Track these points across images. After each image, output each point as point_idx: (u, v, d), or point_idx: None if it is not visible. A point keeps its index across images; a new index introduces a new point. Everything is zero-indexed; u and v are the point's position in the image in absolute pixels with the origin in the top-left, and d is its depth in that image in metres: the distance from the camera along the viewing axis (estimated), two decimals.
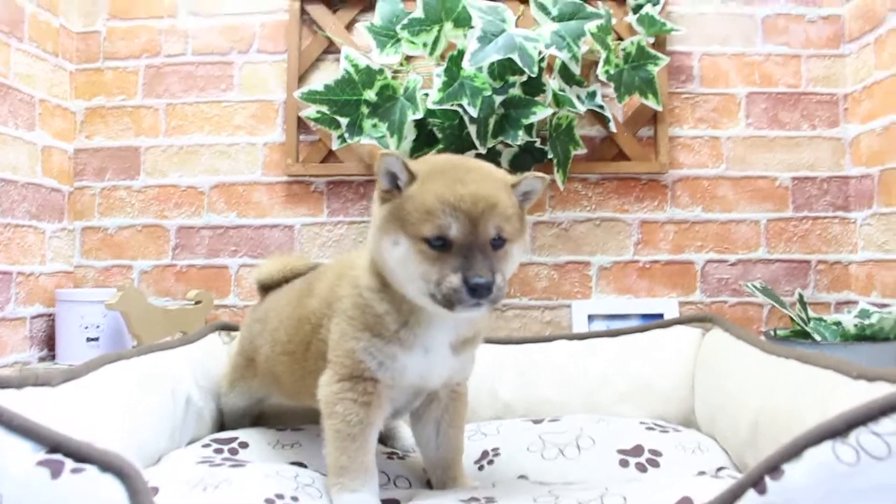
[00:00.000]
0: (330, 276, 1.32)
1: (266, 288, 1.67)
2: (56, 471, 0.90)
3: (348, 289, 1.23)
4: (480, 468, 1.45)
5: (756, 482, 0.81)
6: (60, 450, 0.93)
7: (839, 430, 0.79)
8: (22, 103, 2.25)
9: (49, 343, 2.33)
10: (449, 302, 1.04)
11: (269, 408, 1.73)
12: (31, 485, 0.89)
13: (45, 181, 2.37)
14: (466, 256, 1.04)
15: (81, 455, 0.92)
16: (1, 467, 0.90)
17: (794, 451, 0.81)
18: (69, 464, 0.91)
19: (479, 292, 1.02)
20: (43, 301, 2.32)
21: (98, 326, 2.23)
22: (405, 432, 1.61)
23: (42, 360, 2.30)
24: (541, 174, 1.14)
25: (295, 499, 1.12)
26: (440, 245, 1.05)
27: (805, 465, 0.79)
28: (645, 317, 2.32)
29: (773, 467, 0.81)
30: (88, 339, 2.21)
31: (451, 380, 1.26)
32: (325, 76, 2.35)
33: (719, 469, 1.36)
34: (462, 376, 1.30)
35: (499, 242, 1.08)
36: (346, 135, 2.21)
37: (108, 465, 0.92)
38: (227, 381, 1.68)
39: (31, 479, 0.89)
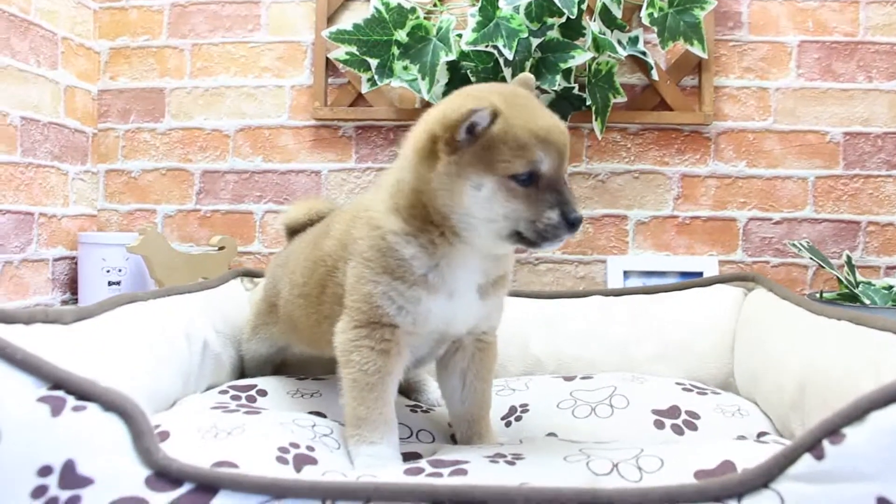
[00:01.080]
0: (345, 218, 1.27)
1: (293, 232, 1.64)
2: (57, 408, 0.86)
3: (364, 230, 1.17)
4: (508, 424, 1.40)
5: (812, 446, 0.75)
6: (63, 386, 0.89)
7: None
8: (44, 40, 2.19)
9: (72, 286, 2.30)
10: (541, 237, 1.03)
11: (291, 357, 1.69)
12: (31, 421, 0.85)
13: (69, 122, 2.32)
14: (559, 191, 1.03)
15: (84, 392, 0.88)
16: (1, 402, 0.86)
17: (857, 413, 0.75)
18: (71, 401, 0.88)
19: (576, 226, 1.02)
20: (65, 244, 2.29)
21: (120, 270, 2.20)
22: (431, 385, 1.57)
23: (64, 303, 2.28)
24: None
25: (311, 448, 1.07)
26: (527, 181, 1.03)
27: (868, 429, 0.74)
28: (683, 275, 2.24)
29: (833, 430, 0.75)
30: (110, 283, 2.18)
31: (477, 327, 1.22)
32: (354, 16, 2.25)
33: (760, 434, 1.31)
34: (488, 324, 1.24)
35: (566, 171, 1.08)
36: (376, 77, 2.13)
37: (111, 404, 0.88)
38: (249, 326, 1.65)
39: (31, 416, 0.85)
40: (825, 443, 0.74)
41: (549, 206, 1.02)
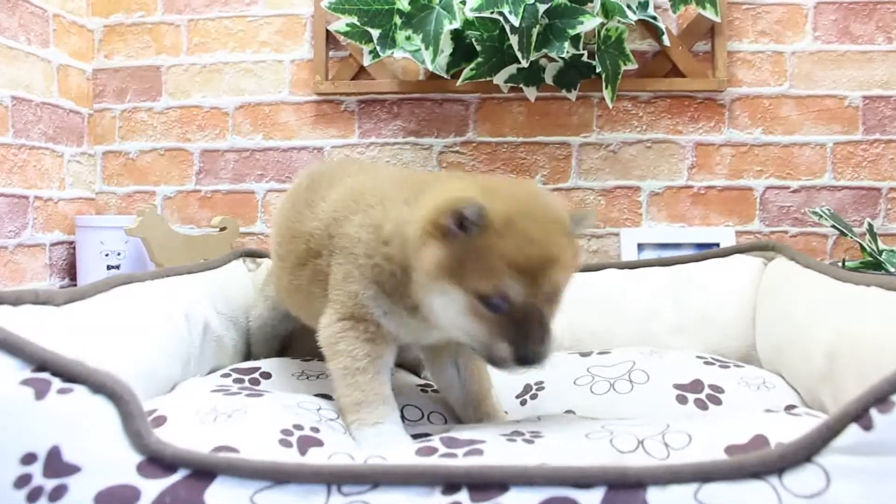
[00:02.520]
0: (337, 201, 1.18)
1: None
2: (41, 391, 0.81)
3: (363, 232, 1.09)
4: (523, 403, 1.35)
5: (859, 415, 0.69)
6: (48, 368, 0.84)
7: None
8: (34, 17, 2.13)
9: (70, 271, 2.25)
10: (493, 362, 0.97)
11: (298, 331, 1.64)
12: (13, 406, 0.79)
13: (63, 102, 2.26)
14: (521, 323, 0.94)
15: (70, 374, 0.83)
16: None
17: None
18: (56, 383, 0.82)
19: (528, 364, 0.94)
20: (63, 228, 2.23)
21: (119, 254, 2.14)
22: None
23: (63, 288, 2.23)
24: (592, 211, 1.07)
25: (315, 430, 1.02)
26: (496, 306, 0.94)
27: None
28: (699, 246, 2.18)
29: (881, 398, 0.69)
30: (109, 268, 2.13)
31: None
32: None
33: (788, 407, 1.25)
34: None
35: (556, 295, 0.99)
36: (378, 48, 2.06)
37: (100, 385, 0.82)
38: (257, 290, 1.64)
39: (13, 400, 0.80)
40: (873, 411, 0.68)
41: (503, 338, 0.94)
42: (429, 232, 0.96)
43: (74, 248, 2.22)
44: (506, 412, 1.27)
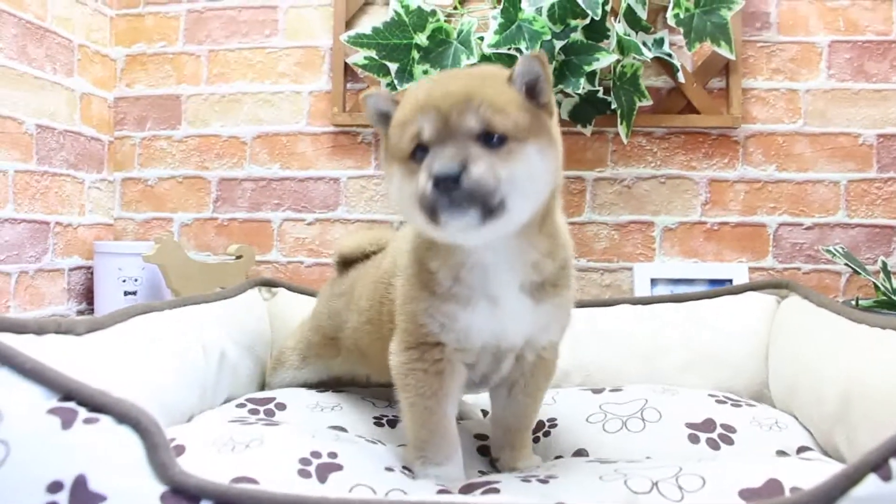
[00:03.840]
0: (400, 234, 1.25)
1: (345, 264, 1.57)
2: (67, 420, 0.82)
3: (409, 244, 1.12)
4: (536, 440, 1.35)
5: (878, 465, 0.69)
6: (74, 398, 0.85)
7: None
8: (60, 47, 2.17)
9: (87, 296, 2.27)
10: (433, 214, 0.91)
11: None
12: (40, 434, 0.81)
13: (85, 129, 2.30)
14: (433, 152, 0.93)
15: (96, 404, 0.84)
16: (9, 414, 0.82)
17: None
18: (82, 413, 0.84)
19: (443, 185, 0.88)
20: (81, 253, 2.26)
21: (136, 280, 2.16)
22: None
23: (80, 313, 2.25)
24: (536, 52, 0.99)
25: (333, 455, 1.02)
26: (421, 157, 0.93)
27: None
28: (712, 282, 2.18)
29: None
30: (126, 293, 2.15)
31: (535, 338, 1.10)
32: (373, 20, 2.22)
33: (801, 449, 1.25)
34: (548, 336, 1.12)
35: (493, 139, 0.93)
36: (396, 82, 2.09)
37: (125, 415, 0.83)
38: (297, 355, 1.59)
39: (40, 429, 0.81)
40: (892, 462, 0.68)
41: (424, 173, 0.92)
42: (384, 150, 1.03)
43: (92, 273, 2.24)
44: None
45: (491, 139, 0.93)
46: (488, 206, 0.90)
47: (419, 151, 0.94)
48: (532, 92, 0.99)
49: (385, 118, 1.01)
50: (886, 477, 0.68)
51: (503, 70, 1.02)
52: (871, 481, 0.68)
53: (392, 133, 0.99)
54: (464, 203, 0.89)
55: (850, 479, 0.69)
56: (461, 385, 1.11)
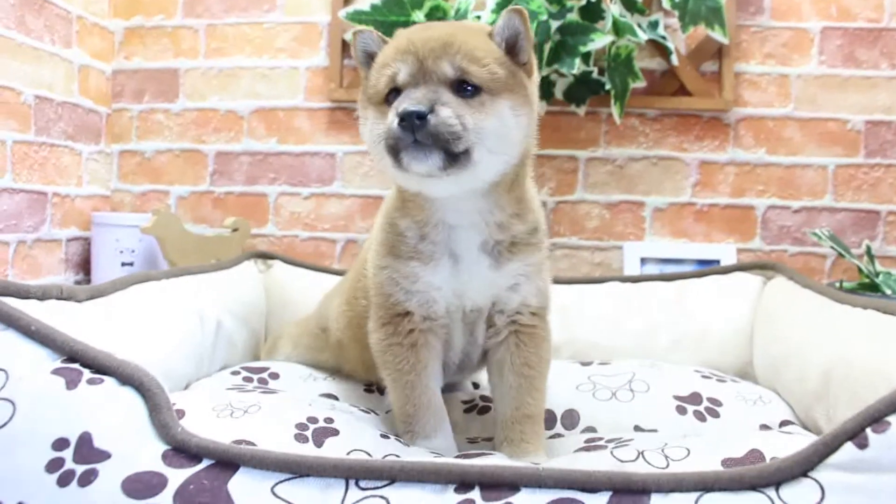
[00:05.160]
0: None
1: None
2: (72, 381, 0.85)
3: (381, 213, 1.17)
4: None
5: (855, 434, 0.72)
6: (78, 359, 0.88)
7: None
8: (58, 18, 2.17)
9: (85, 267, 2.29)
10: (395, 151, 0.94)
11: None
12: (45, 394, 0.84)
13: (83, 101, 2.30)
14: (404, 94, 0.96)
15: (100, 365, 0.87)
16: (15, 375, 0.85)
17: None
18: (86, 374, 0.87)
19: (408, 122, 0.91)
20: (79, 224, 2.27)
21: (133, 251, 2.18)
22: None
23: (77, 283, 2.27)
24: (515, 6, 1.00)
25: (330, 420, 1.06)
26: (394, 99, 0.96)
27: None
28: (700, 262, 2.21)
29: (877, 418, 0.72)
30: (123, 264, 2.17)
31: (502, 300, 1.10)
32: None
33: (783, 423, 1.29)
34: (519, 298, 1.11)
35: (467, 89, 0.96)
36: None
37: (128, 377, 0.86)
38: (289, 344, 1.60)
39: (46, 389, 0.84)
40: (869, 431, 0.71)
41: (393, 111, 0.94)
42: (362, 92, 1.05)
43: (90, 244, 2.26)
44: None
45: (465, 88, 0.95)
46: (452, 152, 0.92)
47: (393, 94, 0.97)
48: (513, 49, 1.01)
49: (370, 59, 1.03)
50: (862, 445, 0.71)
51: (486, 25, 1.05)
52: (848, 449, 0.71)
53: (371, 75, 1.01)
54: (427, 144, 0.92)
55: (828, 447, 0.72)
56: (437, 358, 1.13)
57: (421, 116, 0.90)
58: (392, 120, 0.93)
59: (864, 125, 2.27)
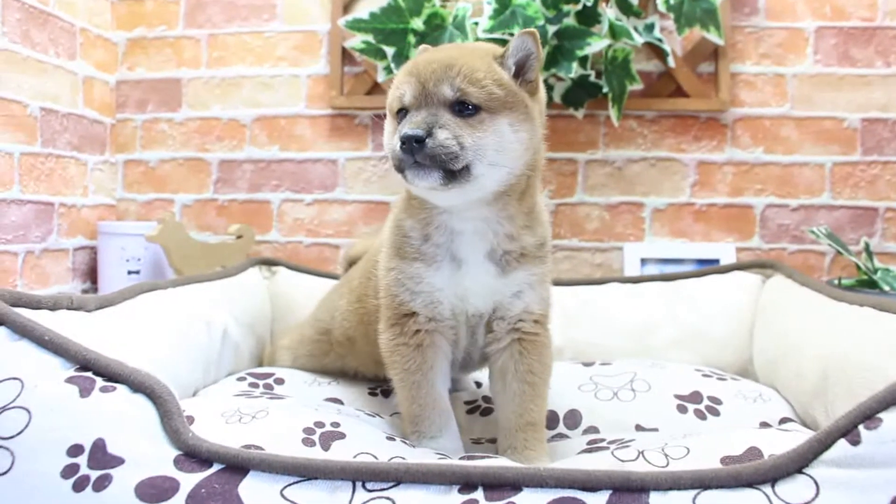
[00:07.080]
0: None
1: (351, 264, 1.64)
2: (85, 389, 0.87)
3: (391, 217, 1.20)
4: None
5: (848, 431, 0.74)
6: (91, 367, 0.91)
7: None
8: (62, 31, 2.20)
9: (91, 275, 2.32)
10: (400, 169, 1.02)
11: None
12: (60, 402, 0.86)
13: (87, 112, 2.33)
14: (407, 117, 1.04)
15: (112, 374, 0.90)
16: (30, 383, 0.87)
17: (894, 398, 0.74)
18: (99, 382, 0.89)
19: (407, 145, 0.98)
20: (85, 233, 2.30)
21: (139, 259, 2.21)
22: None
23: (84, 292, 2.29)
24: (529, 29, 1.06)
25: (336, 424, 1.08)
26: (402, 118, 1.05)
27: None
28: (700, 262, 2.23)
29: (869, 415, 0.74)
30: (129, 273, 2.19)
31: (504, 307, 1.13)
32: (370, 5, 2.23)
33: (783, 420, 1.30)
34: (521, 306, 1.13)
35: (468, 108, 1.02)
36: (392, 66, 2.12)
37: (140, 384, 0.89)
38: (289, 354, 1.61)
39: (60, 397, 0.87)
40: (861, 428, 0.73)
41: (397, 133, 1.01)
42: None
43: (96, 252, 2.29)
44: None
45: (465, 108, 1.01)
46: (450, 170, 0.99)
47: (402, 113, 1.05)
48: (522, 69, 1.07)
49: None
50: (855, 442, 0.73)
51: (496, 47, 1.10)
52: (841, 446, 0.73)
53: (390, 92, 1.10)
54: (427, 164, 0.99)
55: (821, 444, 0.74)
56: (444, 359, 1.16)
57: (419, 140, 0.98)
58: (395, 143, 1.00)
59: (860, 123, 2.29)
